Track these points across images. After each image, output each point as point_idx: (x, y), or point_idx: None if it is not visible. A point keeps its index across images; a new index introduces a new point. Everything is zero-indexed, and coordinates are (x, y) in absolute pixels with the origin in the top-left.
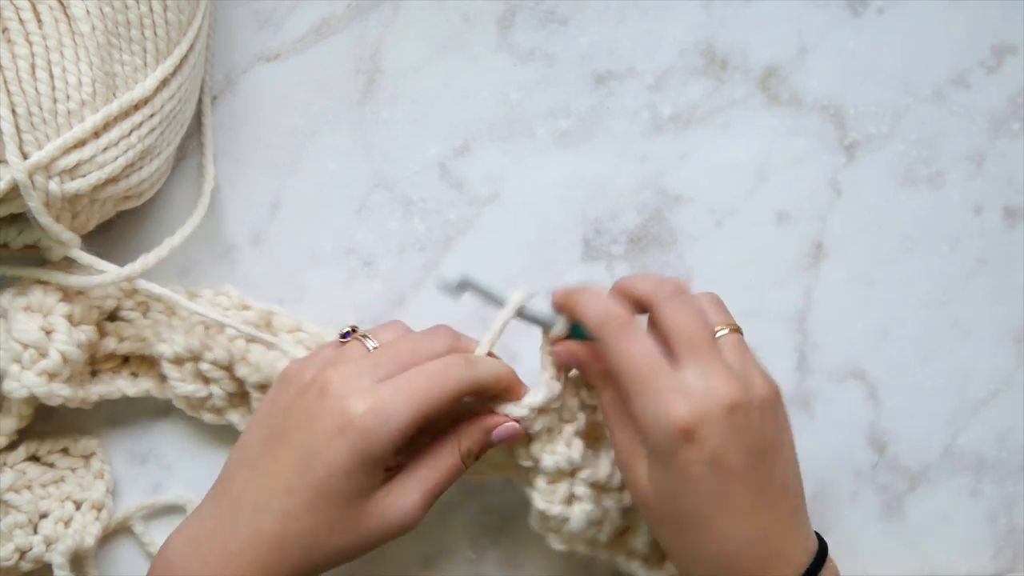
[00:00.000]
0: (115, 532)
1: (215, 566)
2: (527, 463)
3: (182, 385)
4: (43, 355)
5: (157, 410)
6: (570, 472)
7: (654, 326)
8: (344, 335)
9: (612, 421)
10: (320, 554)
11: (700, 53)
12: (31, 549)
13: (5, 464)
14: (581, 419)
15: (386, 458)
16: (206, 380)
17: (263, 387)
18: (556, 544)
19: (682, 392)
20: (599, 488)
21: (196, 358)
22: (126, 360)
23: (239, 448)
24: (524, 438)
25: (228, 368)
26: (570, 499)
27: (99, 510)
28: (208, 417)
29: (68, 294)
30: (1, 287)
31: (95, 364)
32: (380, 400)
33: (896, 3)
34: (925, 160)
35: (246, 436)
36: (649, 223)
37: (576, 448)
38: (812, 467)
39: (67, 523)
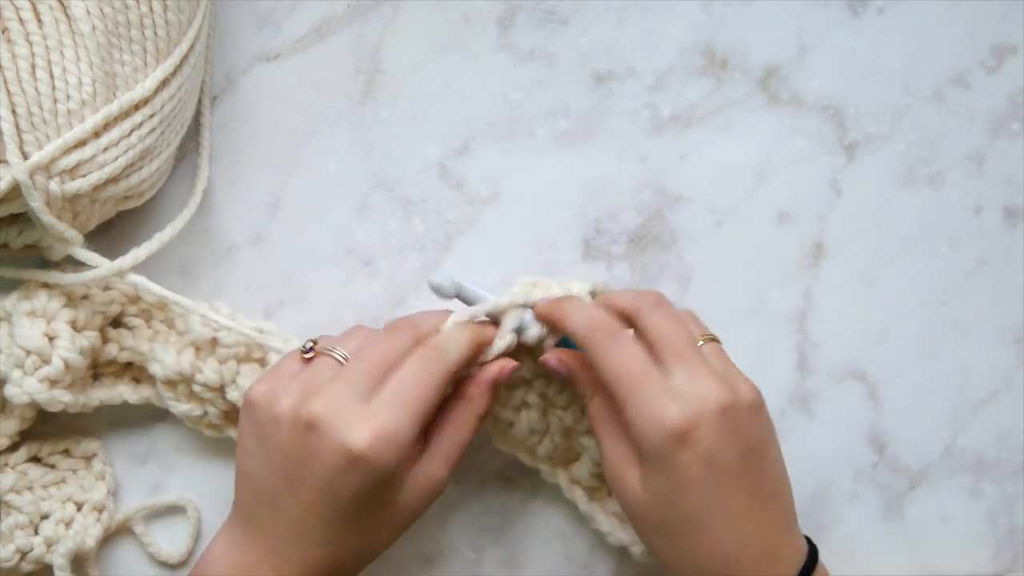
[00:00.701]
0: (116, 533)
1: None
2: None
3: (176, 404)
4: (46, 361)
5: (157, 411)
6: (527, 381)
7: (638, 336)
8: (307, 350)
9: (601, 431)
10: (372, 551)
11: (700, 53)
12: (32, 550)
13: (7, 465)
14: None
15: (404, 469)
16: (201, 400)
17: None
18: (500, 445)
19: (673, 395)
20: (547, 400)
21: (187, 380)
22: (128, 365)
23: (245, 480)
24: None
25: (220, 390)
26: (520, 406)
27: (100, 512)
28: (208, 432)
29: (72, 299)
30: (0, 287)
31: (97, 368)
32: (379, 424)
33: (896, 3)
34: (925, 160)
35: (246, 468)
36: (649, 223)
37: (527, 364)
38: (812, 467)
39: (68, 524)
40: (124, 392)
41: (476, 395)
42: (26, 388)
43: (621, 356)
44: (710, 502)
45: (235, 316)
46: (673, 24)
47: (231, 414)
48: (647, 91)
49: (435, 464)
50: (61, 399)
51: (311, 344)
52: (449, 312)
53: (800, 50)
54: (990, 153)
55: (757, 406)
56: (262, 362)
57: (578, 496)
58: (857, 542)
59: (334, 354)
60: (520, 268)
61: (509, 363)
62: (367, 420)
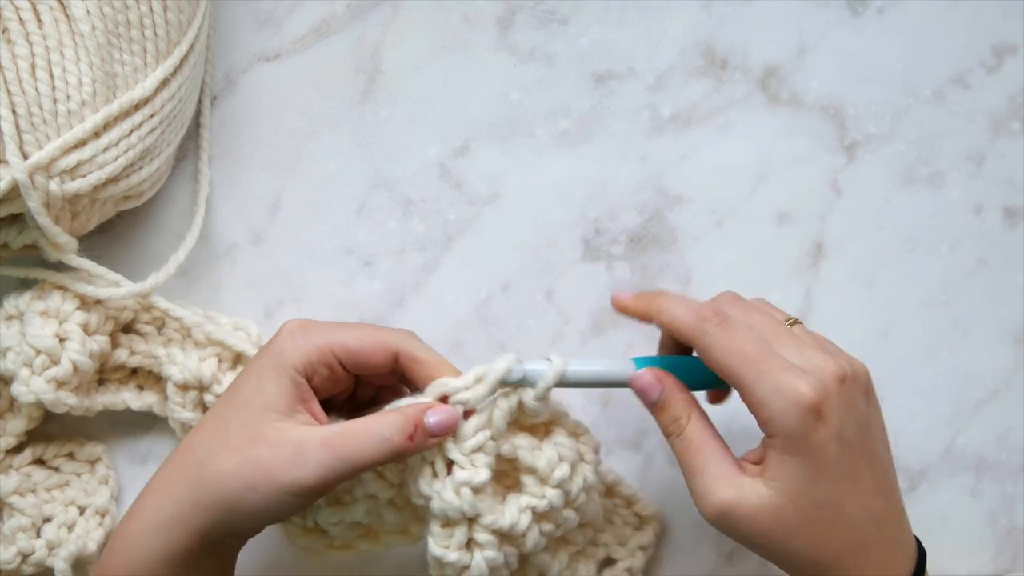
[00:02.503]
0: None
1: (141, 494)
2: (419, 501)
3: (181, 411)
4: (55, 362)
5: (160, 414)
6: (468, 519)
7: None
8: None
9: (701, 457)
10: (208, 470)
11: (700, 53)
12: (34, 553)
13: (11, 467)
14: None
15: (294, 369)
16: (205, 409)
17: None
18: None
19: (797, 371)
20: (502, 536)
21: (203, 388)
22: (134, 372)
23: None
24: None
25: None
26: (469, 545)
27: (103, 516)
28: None
29: (85, 302)
30: (0, 287)
31: (103, 373)
32: (313, 321)
33: (896, 3)
34: (925, 160)
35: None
36: (649, 223)
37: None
38: None
39: (70, 528)
40: (128, 398)
41: (401, 411)
42: (33, 387)
43: (737, 339)
44: (844, 482)
45: (261, 339)
46: (673, 24)
47: None
48: (647, 91)
49: (311, 435)
50: (67, 401)
51: None
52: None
53: (800, 50)
54: (990, 153)
55: (867, 378)
56: None
57: None
58: None
59: None
60: (520, 268)
61: (453, 412)
62: (305, 321)
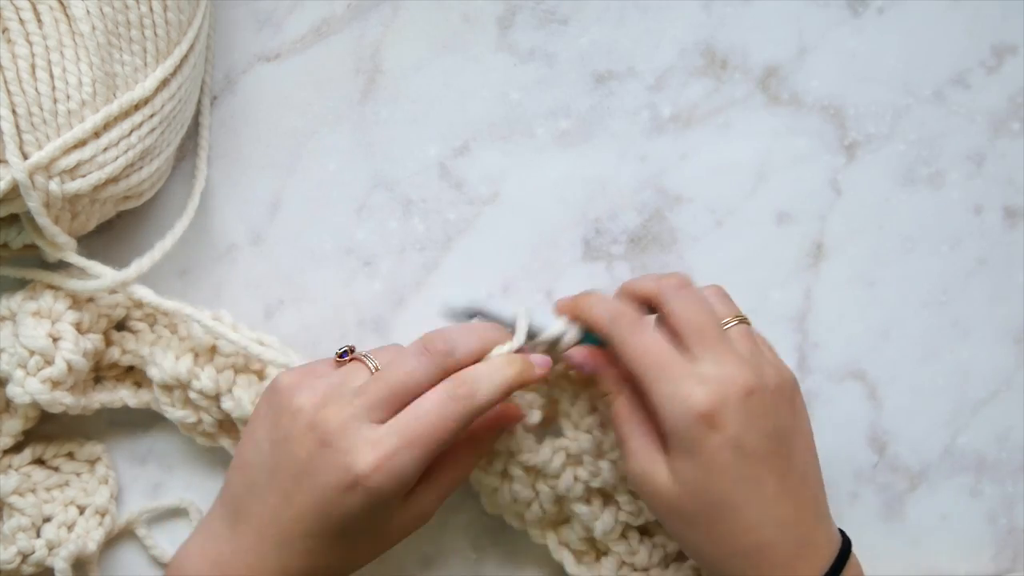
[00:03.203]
0: (118, 535)
1: (224, 565)
2: None
3: (172, 410)
4: (49, 362)
5: (157, 411)
6: (507, 453)
7: (663, 321)
8: (342, 354)
9: (627, 428)
10: (348, 569)
11: (700, 53)
12: (33, 553)
13: (11, 467)
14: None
15: (399, 501)
16: (196, 407)
17: (246, 423)
18: (487, 507)
19: (698, 379)
20: (534, 472)
21: (184, 386)
22: (130, 369)
23: (242, 469)
24: None
25: (215, 399)
26: (504, 475)
27: (103, 516)
28: (201, 440)
29: (77, 301)
30: (0, 288)
31: (99, 371)
32: (386, 455)
33: (896, 3)
34: (925, 160)
35: (247, 456)
36: (649, 223)
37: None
38: None
39: (70, 528)
40: (125, 396)
41: (482, 437)
42: (28, 388)
43: (644, 342)
44: (743, 486)
45: (237, 326)
46: (673, 24)
47: (225, 424)
48: (647, 91)
49: (429, 498)
50: (63, 401)
51: (346, 349)
52: (492, 338)
53: (800, 50)
54: (990, 153)
55: (784, 390)
56: (260, 374)
57: (566, 558)
58: (857, 542)
59: (367, 362)
60: (520, 268)
61: (517, 411)
62: (376, 447)
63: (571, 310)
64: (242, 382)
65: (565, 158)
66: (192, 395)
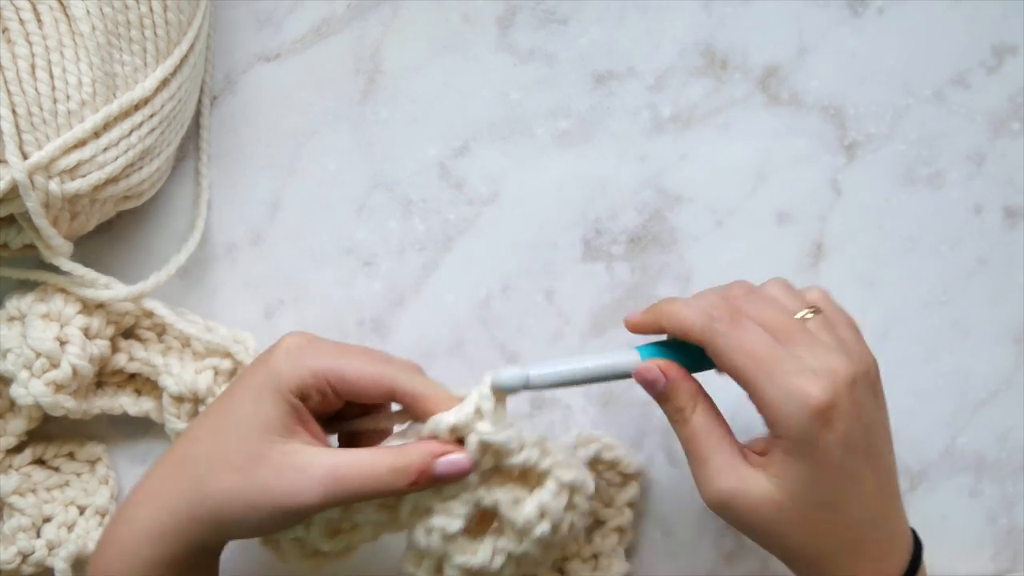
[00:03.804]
0: None
1: (129, 500)
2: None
3: (177, 422)
4: (55, 365)
5: (156, 420)
6: (438, 555)
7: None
8: None
9: (708, 445)
10: (209, 487)
11: (700, 53)
12: (33, 553)
13: (11, 467)
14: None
15: (290, 392)
16: None
17: None
18: None
19: (810, 372)
20: (473, 573)
21: (198, 400)
22: (132, 377)
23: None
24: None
25: None
26: (439, 573)
27: (103, 516)
28: None
29: (87, 306)
30: (1, 288)
31: (101, 376)
32: (313, 341)
33: (896, 3)
34: (925, 160)
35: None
36: (649, 223)
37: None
38: None
39: (70, 528)
40: (125, 403)
41: (407, 448)
42: (32, 390)
43: (748, 339)
44: (847, 484)
45: (260, 350)
46: (673, 24)
47: None
48: (647, 91)
49: (314, 460)
50: (65, 404)
51: None
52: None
53: (800, 50)
54: (990, 153)
55: (872, 375)
56: None
57: None
58: None
59: None
60: (520, 268)
61: (462, 460)
62: (304, 340)
63: (649, 324)
64: None
65: (565, 158)
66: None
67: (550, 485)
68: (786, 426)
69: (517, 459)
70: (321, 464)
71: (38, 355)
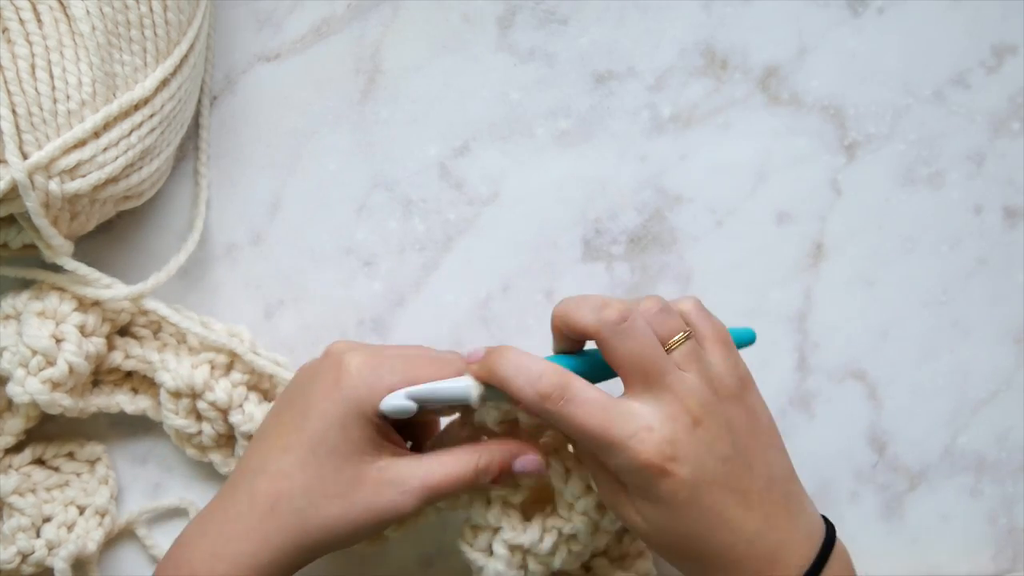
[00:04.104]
0: (118, 535)
1: (216, 536)
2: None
3: (174, 418)
4: (51, 363)
5: (154, 418)
6: (492, 529)
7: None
8: None
9: (591, 468)
10: (314, 519)
11: (700, 53)
12: (33, 553)
13: (11, 467)
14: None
15: (373, 413)
16: (199, 417)
17: (251, 437)
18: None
19: (644, 431)
20: (522, 551)
21: (195, 395)
22: (129, 375)
23: (257, 430)
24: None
25: (224, 411)
26: (489, 550)
27: (103, 516)
28: (191, 452)
29: (83, 303)
30: (1, 287)
31: (98, 375)
32: (377, 356)
33: (896, 3)
34: (925, 160)
35: (265, 417)
36: (649, 223)
37: (495, 513)
38: (812, 467)
39: (70, 528)
40: (122, 401)
41: (489, 447)
42: (28, 388)
43: (577, 413)
44: (706, 516)
45: (255, 345)
46: (673, 24)
47: (222, 438)
48: (647, 91)
49: (407, 472)
50: (61, 402)
51: None
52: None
53: (800, 50)
54: (990, 153)
55: (734, 397)
56: (267, 393)
57: None
58: (857, 542)
59: None
60: (520, 268)
61: (538, 460)
62: (370, 353)
63: (486, 376)
64: (253, 398)
65: (565, 158)
66: (202, 406)
67: None
68: (628, 485)
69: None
70: (413, 476)
71: (34, 353)
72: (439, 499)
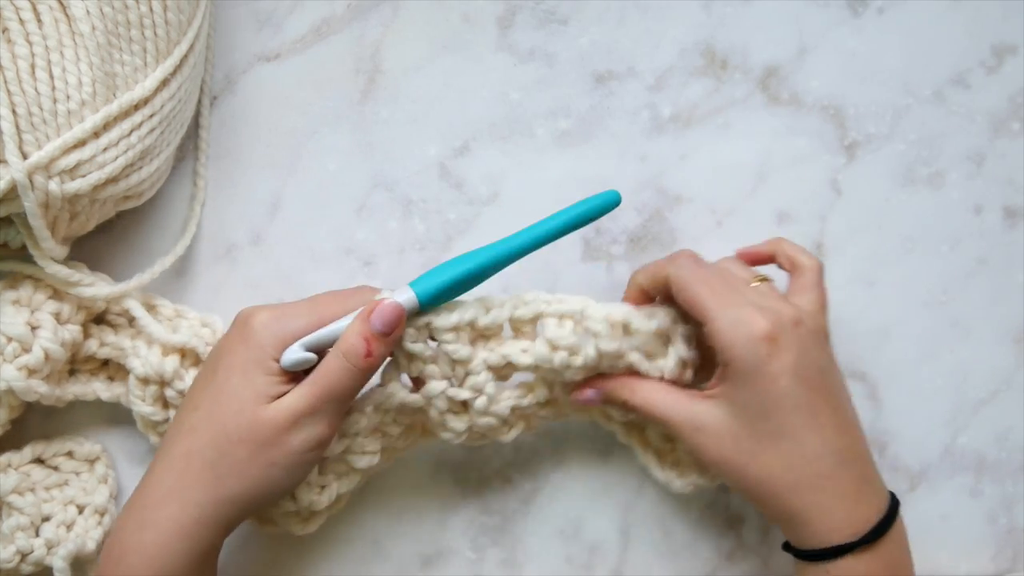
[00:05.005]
0: None
1: (140, 508)
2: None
3: (141, 404)
4: (26, 350)
5: (125, 405)
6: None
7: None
8: None
9: (664, 404)
10: (222, 467)
11: (700, 53)
12: (32, 552)
13: (10, 466)
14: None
15: (275, 360)
16: (166, 405)
17: None
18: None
19: (756, 307)
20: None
21: (164, 383)
22: (105, 363)
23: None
24: None
25: None
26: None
27: (102, 515)
28: (155, 440)
29: (58, 292)
30: None
31: (74, 363)
32: (281, 307)
33: (896, 3)
34: (925, 160)
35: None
36: (649, 223)
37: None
38: None
39: (69, 527)
40: (98, 388)
41: (348, 344)
42: (3, 375)
43: (705, 275)
44: (801, 414)
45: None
46: (673, 24)
47: None
48: (647, 91)
49: (295, 395)
50: (37, 389)
51: None
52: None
53: (800, 50)
54: (990, 153)
55: (821, 333)
56: None
57: (649, 459)
58: None
59: None
60: (520, 268)
61: (395, 305)
62: (276, 307)
63: (652, 281)
64: None
65: (565, 158)
66: (170, 393)
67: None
68: (735, 349)
69: (486, 320)
70: (300, 395)
71: (9, 340)
72: (342, 403)
